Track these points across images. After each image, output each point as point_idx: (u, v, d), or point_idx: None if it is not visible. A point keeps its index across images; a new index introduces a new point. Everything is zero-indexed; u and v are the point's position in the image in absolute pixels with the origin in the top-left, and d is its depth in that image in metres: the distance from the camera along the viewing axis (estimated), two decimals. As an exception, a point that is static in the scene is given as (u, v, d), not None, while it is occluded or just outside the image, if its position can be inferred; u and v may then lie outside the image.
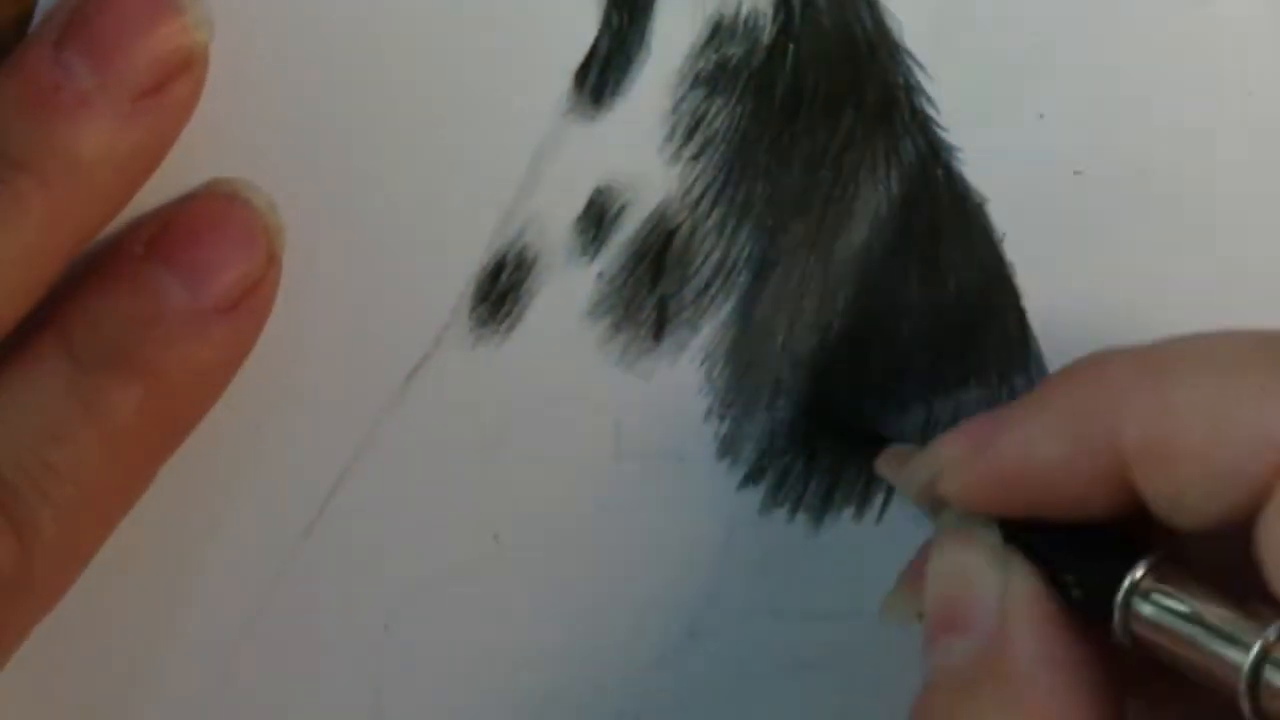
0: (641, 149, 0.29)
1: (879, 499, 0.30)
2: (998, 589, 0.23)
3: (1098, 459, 0.22)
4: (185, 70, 0.26)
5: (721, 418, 0.30)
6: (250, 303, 0.27)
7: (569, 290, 0.29)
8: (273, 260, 0.27)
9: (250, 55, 0.28)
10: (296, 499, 0.29)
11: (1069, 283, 0.30)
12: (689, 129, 0.29)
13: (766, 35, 0.29)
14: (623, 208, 0.29)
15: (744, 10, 0.29)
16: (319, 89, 0.28)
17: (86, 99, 0.25)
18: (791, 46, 0.29)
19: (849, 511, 0.30)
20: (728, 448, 0.30)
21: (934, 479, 0.25)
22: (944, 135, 0.29)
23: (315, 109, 0.28)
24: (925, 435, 0.30)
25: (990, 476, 0.24)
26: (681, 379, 0.29)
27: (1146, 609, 0.22)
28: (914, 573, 0.26)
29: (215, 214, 0.27)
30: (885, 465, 0.28)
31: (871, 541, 0.30)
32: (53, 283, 0.26)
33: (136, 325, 0.26)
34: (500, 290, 0.29)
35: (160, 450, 0.27)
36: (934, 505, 0.26)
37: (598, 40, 0.28)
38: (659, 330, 0.29)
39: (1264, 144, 0.30)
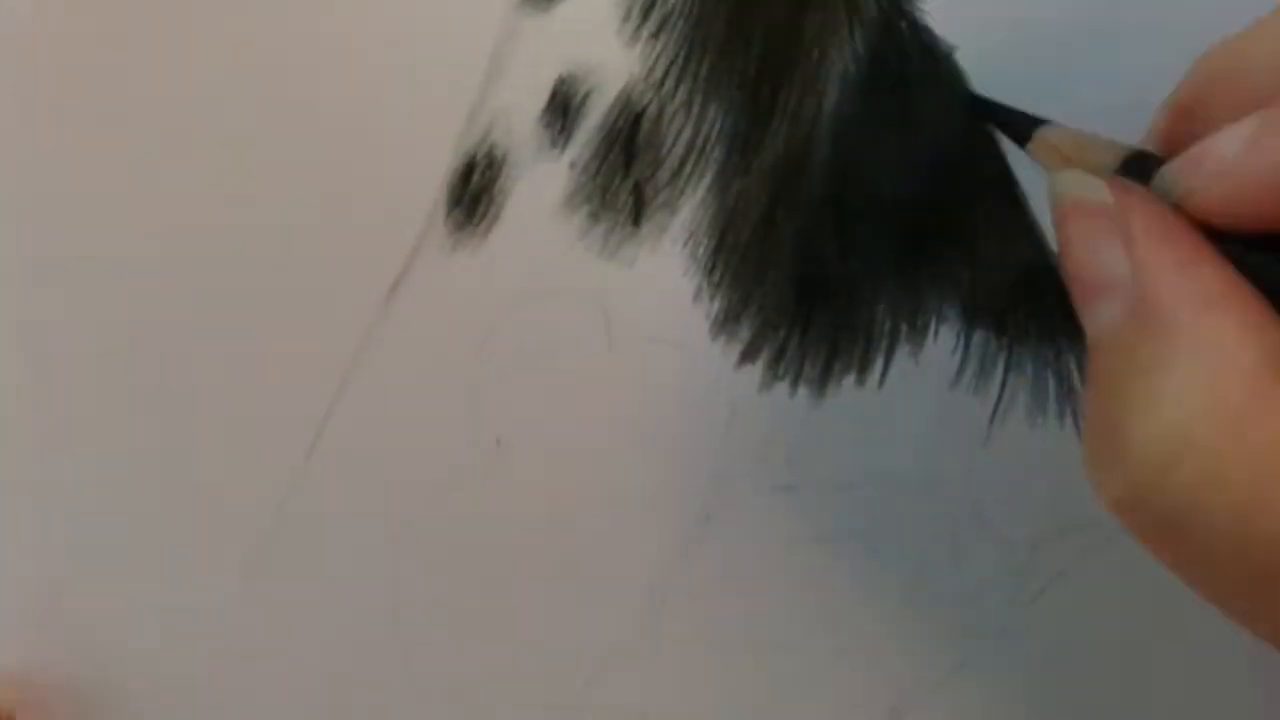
0: (599, 33, 0.30)
1: (879, 362, 0.30)
2: (1123, 243, 0.23)
3: None
4: None
5: (711, 297, 0.30)
6: None
7: (542, 184, 0.30)
8: None
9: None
10: (292, 424, 0.31)
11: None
12: (645, 7, 0.30)
13: None
14: (587, 95, 0.30)
15: (687, -124, 0.30)
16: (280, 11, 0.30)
17: None
18: None
19: (850, 379, 0.30)
20: (721, 327, 0.30)
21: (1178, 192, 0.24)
22: None
23: (276, 32, 0.30)
24: (916, 296, 0.30)
25: (1230, 202, 0.23)
26: (666, 262, 0.30)
27: None
28: None
29: None
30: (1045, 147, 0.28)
31: (875, 406, 0.31)
32: None
33: None
34: (473, 191, 0.30)
35: None
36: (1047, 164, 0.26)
37: None
38: (637, 215, 0.30)
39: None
